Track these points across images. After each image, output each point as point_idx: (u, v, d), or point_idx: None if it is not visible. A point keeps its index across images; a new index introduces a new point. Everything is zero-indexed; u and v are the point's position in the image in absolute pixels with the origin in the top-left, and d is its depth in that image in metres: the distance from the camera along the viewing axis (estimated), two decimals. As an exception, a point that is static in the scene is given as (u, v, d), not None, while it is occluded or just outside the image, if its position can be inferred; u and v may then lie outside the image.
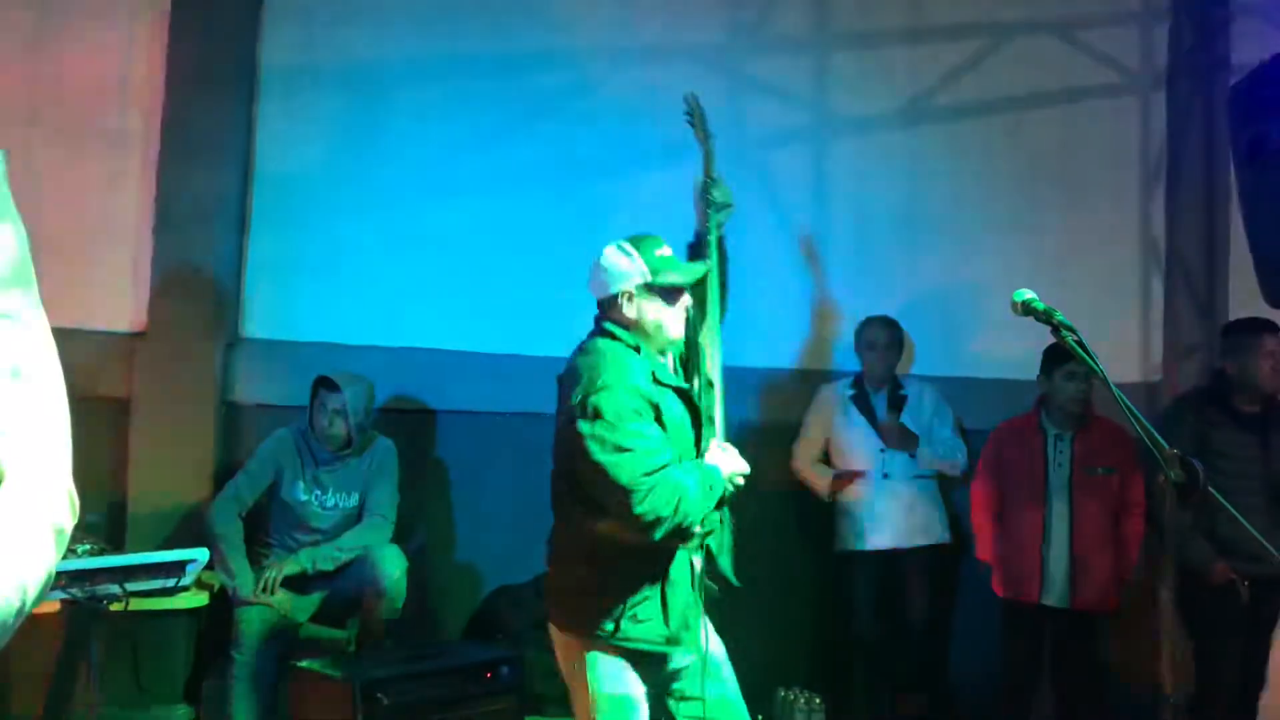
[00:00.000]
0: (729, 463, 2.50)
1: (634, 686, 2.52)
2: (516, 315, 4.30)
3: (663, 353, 2.63)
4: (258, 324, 4.07)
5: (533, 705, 3.42)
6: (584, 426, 2.36)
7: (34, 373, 0.73)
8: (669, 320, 2.54)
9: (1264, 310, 3.86)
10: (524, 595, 4.08)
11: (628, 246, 2.56)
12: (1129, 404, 2.03)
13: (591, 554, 2.50)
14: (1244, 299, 4.55)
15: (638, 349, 2.51)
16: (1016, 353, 4.07)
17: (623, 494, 2.31)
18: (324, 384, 3.65)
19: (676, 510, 2.31)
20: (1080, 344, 2.17)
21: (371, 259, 4.17)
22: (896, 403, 4.28)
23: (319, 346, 4.05)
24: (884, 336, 4.32)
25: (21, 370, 0.72)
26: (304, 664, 3.10)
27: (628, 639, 2.45)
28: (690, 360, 2.67)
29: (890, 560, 4.17)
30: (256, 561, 3.56)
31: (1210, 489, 1.95)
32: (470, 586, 4.21)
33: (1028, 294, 2.28)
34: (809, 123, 4.73)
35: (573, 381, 2.45)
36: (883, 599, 4.22)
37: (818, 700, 4.26)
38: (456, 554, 4.25)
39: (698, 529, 2.40)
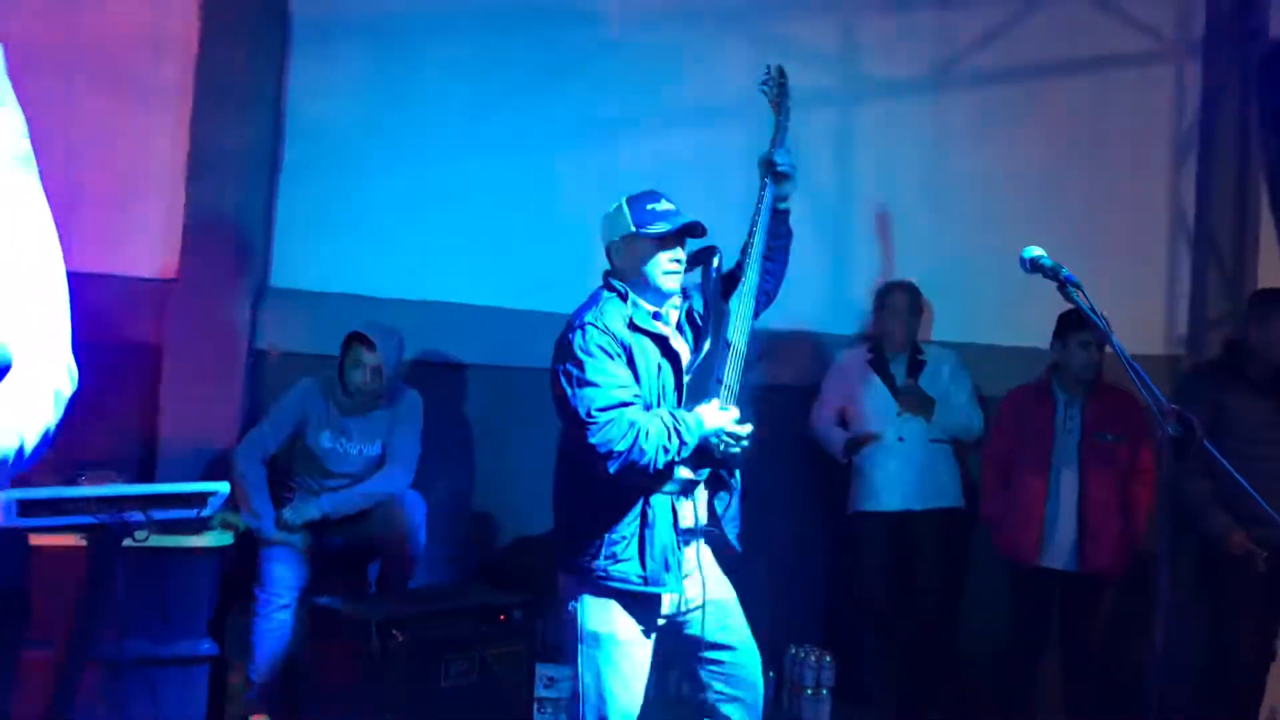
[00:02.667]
0: (714, 417, 2.53)
1: (619, 626, 2.60)
2: (541, 271, 4.35)
3: (660, 302, 2.69)
4: (287, 274, 4.14)
5: (544, 650, 3.50)
6: (557, 362, 2.57)
7: (38, 251, 0.79)
8: (655, 269, 2.64)
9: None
10: (543, 546, 4.15)
11: (623, 201, 2.71)
12: (1129, 358, 2.05)
13: (578, 493, 2.63)
14: (1274, 273, 4.52)
15: (625, 296, 2.64)
16: (1037, 320, 4.06)
17: (580, 425, 2.47)
18: (358, 338, 3.70)
19: (632, 446, 2.42)
20: (1088, 301, 2.19)
21: (400, 212, 4.22)
22: (914, 368, 4.31)
23: (347, 298, 4.12)
24: (904, 301, 4.35)
25: (27, 248, 0.78)
26: (323, 601, 3.19)
27: (609, 578, 2.55)
28: (711, 318, 2.70)
29: (902, 522, 4.21)
30: (280, 503, 3.65)
31: (1208, 446, 1.96)
32: (490, 536, 4.29)
33: (1036, 250, 2.30)
34: (835, 85, 4.72)
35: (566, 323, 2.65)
36: (894, 560, 4.26)
37: (828, 658, 4.32)
38: (477, 504, 4.33)
39: (659, 468, 2.46)
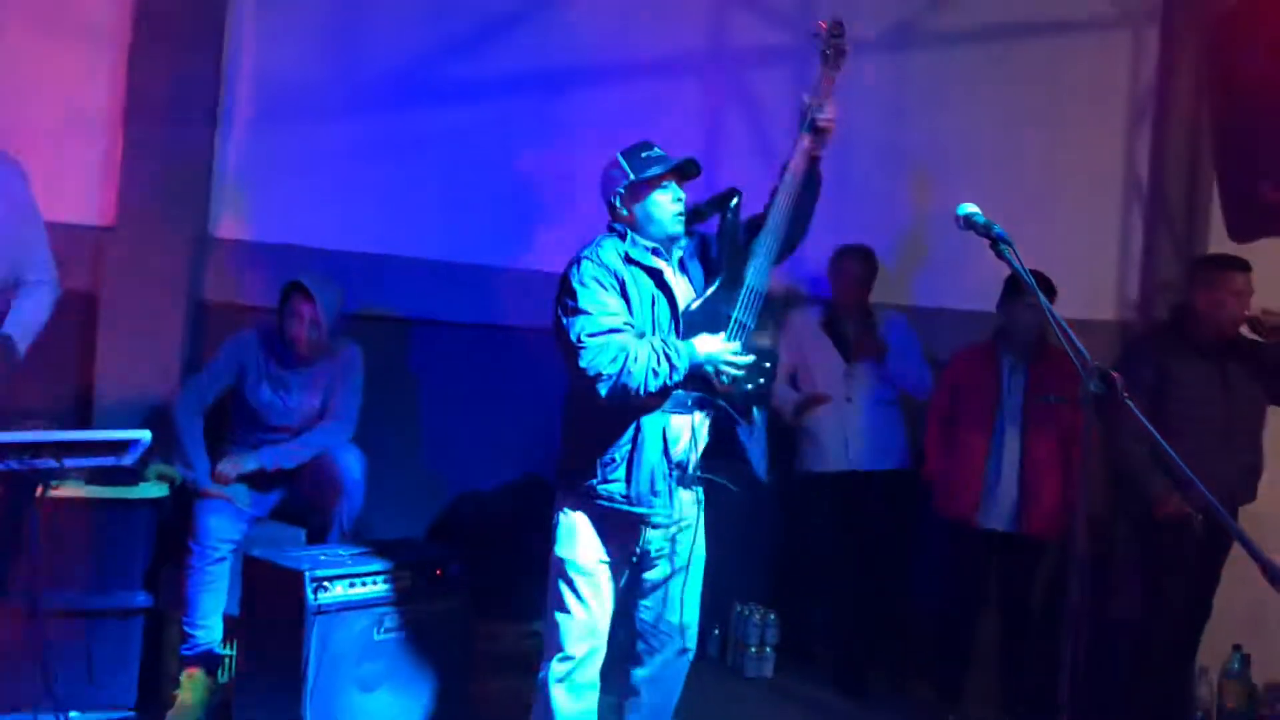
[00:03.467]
0: (709, 344, 2.59)
1: (586, 551, 2.69)
2: (491, 225, 4.30)
3: (666, 244, 2.75)
4: (229, 224, 4.06)
5: (482, 607, 3.48)
6: (558, 293, 2.68)
7: None
8: (660, 211, 2.73)
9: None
10: (488, 501, 4.14)
11: (617, 155, 2.78)
12: (1055, 314, 2.05)
13: (580, 417, 2.73)
14: (1224, 239, 4.53)
15: (624, 235, 2.73)
16: (990, 284, 4.06)
17: (570, 349, 2.58)
18: (296, 289, 3.64)
19: (621, 370, 2.51)
20: (1018, 259, 2.18)
21: (347, 163, 4.15)
22: (865, 330, 4.30)
23: (290, 249, 4.06)
24: (858, 265, 4.33)
25: None
26: (255, 554, 3.15)
27: (595, 496, 2.66)
28: (725, 259, 2.73)
29: (849, 482, 4.22)
30: (218, 456, 3.60)
31: (1129, 403, 1.96)
32: (435, 492, 4.26)
33: (970, 207, 2.29)
34: (792, 43, 4.66)
35: None
36: (842, 520, 4.28)
37: (772, 617, 4.35)
38: (422, 460, 4.29)
39: (650, 392, 2.53)
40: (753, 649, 4.31)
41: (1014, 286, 3.82)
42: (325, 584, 2.97)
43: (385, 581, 3.11)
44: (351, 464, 3.59)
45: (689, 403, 2.65)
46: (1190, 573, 3.76)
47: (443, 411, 4.29)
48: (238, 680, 3.24)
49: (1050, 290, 3.73)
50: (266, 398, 3.64)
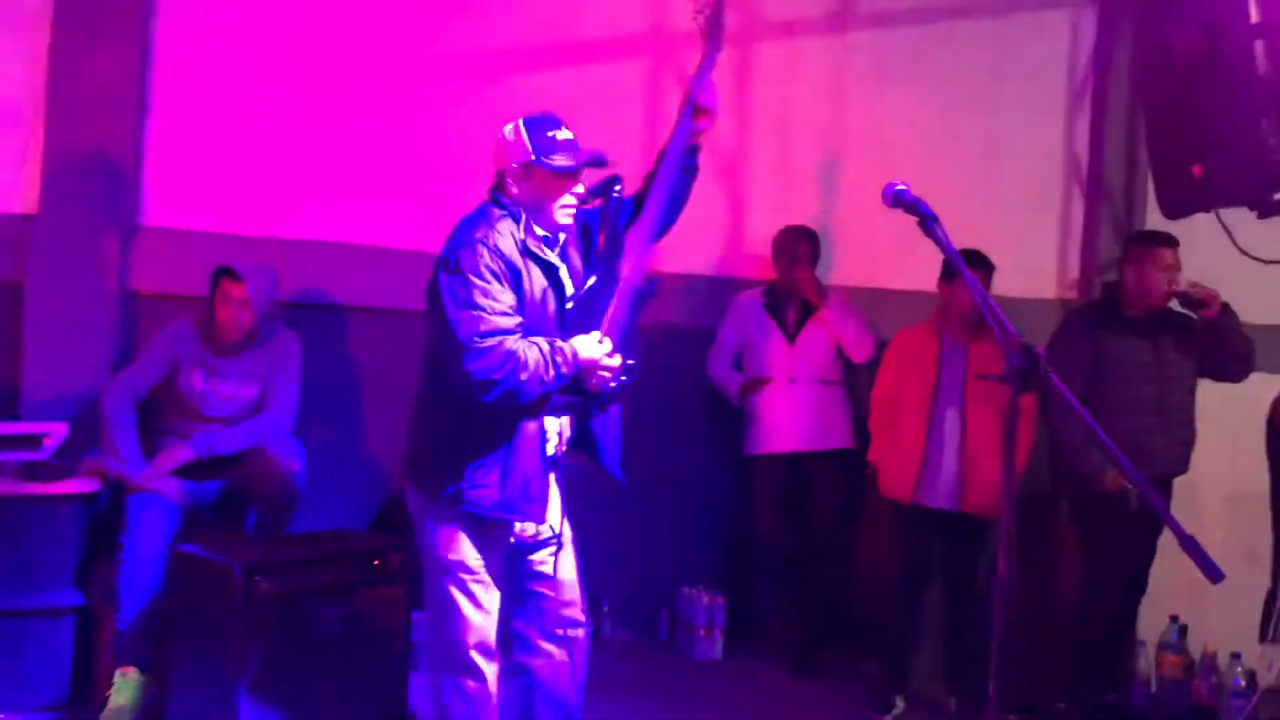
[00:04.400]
0: (588, 348, 2.50)
1: (469, 554, 2.57)
2: (426, 210, 4.23)
3: (554, 231, 2.61)
4: (159, 212, 3.97)
5: (421, 597, 3.43)
6: (442, 277, 2.47)
7: None
8: (552, 202, 2.56)
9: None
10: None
11: (520, 124, 2.59)
12: (984, 293, 2.05)
13: (442, 414, 2.57)
14: (1161, 217, 4.58)
15: (518, 218, 2.55)
16: (934, 265, 4.07)
17: (458, 349, 2.39)
18: (226, 274, 3.57)
19: (508, 377, 2.38)
20: (944, 236, 2.18)
21: (279, 149, 4.07)
22: (807, 311, 4.30)
23: (223, 237, 3.97)
24: (800, 245, 4.33)
25: None
26: (185, 548, 3.08)
27: (465, 503, 2.51)
28: (606, 251, 2.64)
29: (795, 463, 4.23)
30: (151, 450, 3.52)
31: (1055, 380, 1.97)
32: (377, 483, 4.20)
33: (899, 185, 2.28)
34: (733, 24, 4.62)
35: (449, 236, 2.56)
36: (787, 501, 4.29)
37: (719, 599, 4.35)
38: (362, 450, 4.23)
39: (534, 399, 2.44)
40: (701, 631, 4.31)
41: (952, 266, 3.83)
42: (258, 577, 2.92)
43: (321, 573, 3.06)
44: (289, 455, 3.53)
45: (563, 404, 2.56)
46: (1127, 546, 3.81)
47: (383, 401, 4.23)
48: (171, 677, 3.17)
49: (987, 267, 3.74)
50: (201, 387, 3.57)
